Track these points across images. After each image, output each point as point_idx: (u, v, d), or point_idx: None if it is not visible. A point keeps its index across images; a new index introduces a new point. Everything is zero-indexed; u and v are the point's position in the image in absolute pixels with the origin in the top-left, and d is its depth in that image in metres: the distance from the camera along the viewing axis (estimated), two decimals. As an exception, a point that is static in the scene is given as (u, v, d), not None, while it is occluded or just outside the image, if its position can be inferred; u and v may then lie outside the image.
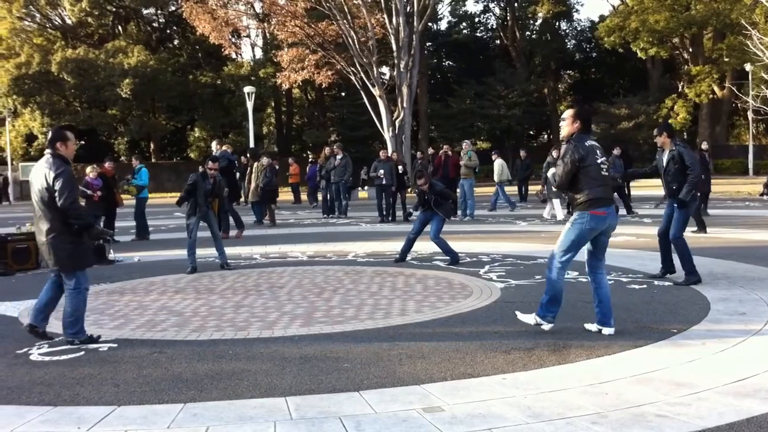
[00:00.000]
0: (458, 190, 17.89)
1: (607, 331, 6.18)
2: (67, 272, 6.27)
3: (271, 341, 6.27)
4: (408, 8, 30.30)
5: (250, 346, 6.10)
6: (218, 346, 6.13)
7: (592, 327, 6.29)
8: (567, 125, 6.24)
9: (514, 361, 5.42)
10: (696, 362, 5.29)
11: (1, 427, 4.36)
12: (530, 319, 6.38)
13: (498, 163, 21.07)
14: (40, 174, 6.15)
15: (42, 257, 6.38)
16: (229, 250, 11.26)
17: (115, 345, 6.29)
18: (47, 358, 5.91)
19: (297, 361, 5.60)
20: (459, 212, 17.83)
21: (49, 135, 6.37)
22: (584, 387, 4.77)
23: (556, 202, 17.00)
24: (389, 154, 20.61)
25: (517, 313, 6.61)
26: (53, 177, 6.08)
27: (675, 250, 8.57)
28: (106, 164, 15.24)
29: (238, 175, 20.09)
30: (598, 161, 6.12)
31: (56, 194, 6.06)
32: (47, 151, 6.29)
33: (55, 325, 6.61)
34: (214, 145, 17.78)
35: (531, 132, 53.63)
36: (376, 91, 30.56)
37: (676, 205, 8.52)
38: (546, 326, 6.28)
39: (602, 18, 47.31)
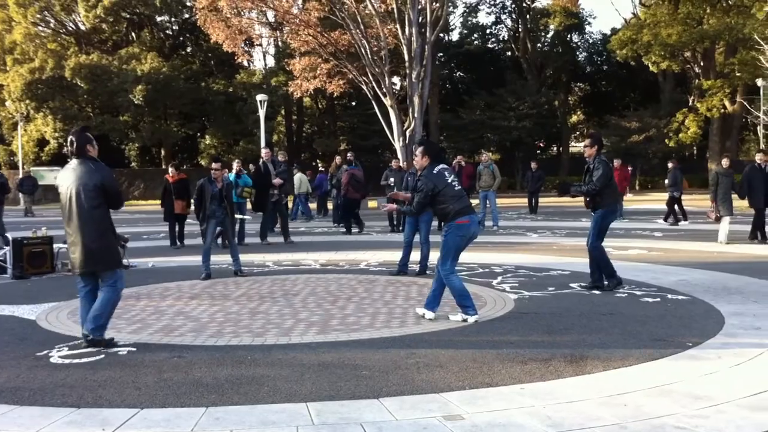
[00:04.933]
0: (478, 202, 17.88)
1: (428, 315, 7.33)
2: (111, 270, 6.38)
3: (288, 348, 6.32)
4: (420, 19, 30.32)
5: (268, 352, 6.16)
6: (237, 352, 6.18)
7: (420, 311, 7.46)
8: (419, 160, 7.42)
9: (532, 372, 5.46)
10: (713, 375, 5.32)
11: (27, 427, 4.43)
12: (458, 317, 7.29)
13: (297, 177, 23.18)
14: (84, 177, 6.21)
15: (72, 262, 6.41)
16: (241, 258, 11.30)
17: (134, 349, 6.35)
18: (67, 361, 5.97)
19: (315, 367, 5.65)
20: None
21: (74, 140, 6.29)
22: (603, 398, 4.80)
23: (725, 220, 14.43)
24: (400, 164, 20.65)
25: (449, 316, 7.42)
26: (108, 180, 6.31)
27: (592, 257, 8.92)
28: (171, 171, 15.44)
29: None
30: (449, 181, 7.25)
31: (111, 197, 6.32)
32: (76, 156, 6.31)
33: (75, 328, 6.67)
34: (235, 165, 17.55)
35: (541, 144, 53.59)
36: (387, 101, 30.59)
37: (593, 212, 8.87)
38: (471, 319, 7.19)
39: (614, 31, 47.27)
